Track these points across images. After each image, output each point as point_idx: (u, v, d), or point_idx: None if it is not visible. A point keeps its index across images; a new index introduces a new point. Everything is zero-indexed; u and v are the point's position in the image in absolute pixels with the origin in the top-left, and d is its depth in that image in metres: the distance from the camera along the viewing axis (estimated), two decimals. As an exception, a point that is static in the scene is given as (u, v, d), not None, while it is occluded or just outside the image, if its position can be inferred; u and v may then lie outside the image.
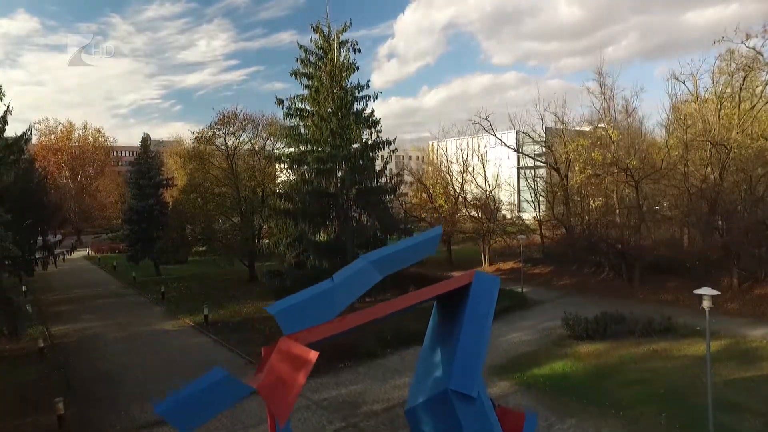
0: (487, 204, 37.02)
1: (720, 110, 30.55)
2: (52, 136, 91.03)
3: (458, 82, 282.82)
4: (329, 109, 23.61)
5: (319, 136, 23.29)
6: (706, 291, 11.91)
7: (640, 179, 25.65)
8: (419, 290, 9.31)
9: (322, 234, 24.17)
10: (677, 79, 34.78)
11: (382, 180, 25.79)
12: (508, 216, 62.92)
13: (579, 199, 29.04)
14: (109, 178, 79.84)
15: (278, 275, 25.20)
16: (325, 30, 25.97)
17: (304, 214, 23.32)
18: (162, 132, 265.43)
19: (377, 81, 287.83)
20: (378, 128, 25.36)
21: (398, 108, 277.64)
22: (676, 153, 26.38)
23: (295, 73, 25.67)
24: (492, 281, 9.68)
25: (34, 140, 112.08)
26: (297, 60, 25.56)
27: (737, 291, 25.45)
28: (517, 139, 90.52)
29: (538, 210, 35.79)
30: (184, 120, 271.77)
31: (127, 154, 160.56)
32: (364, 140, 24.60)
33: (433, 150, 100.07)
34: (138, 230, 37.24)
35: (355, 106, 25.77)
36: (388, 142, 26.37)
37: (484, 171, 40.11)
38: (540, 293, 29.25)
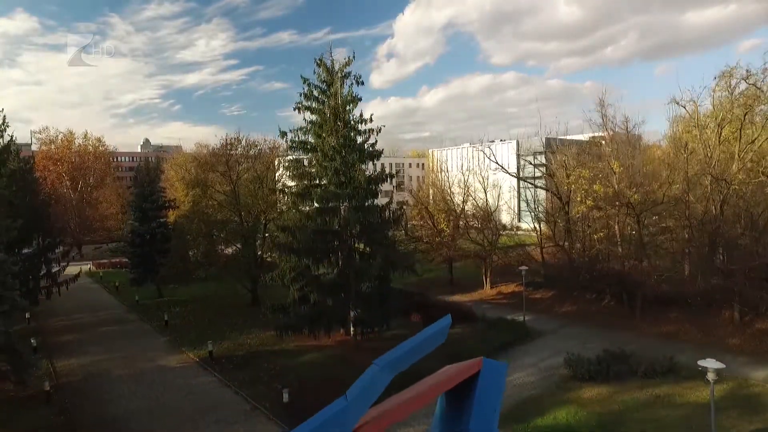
0: (488, 226, 37.15)
1: (720, 135, 30.79)
2: (52, 146, 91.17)
3: (457, 82, 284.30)
4: (332, 143, 23.72)
5: (323, 174, 23.46)
6: (710, 363, 12.04)
7: (642, 212, 25.81)
8: (430, 386, 9.41)
9: (325, 265, 24.28)
10: (677, 103, 35.04)
11: (386, 212, 25.89)
12: (508, 226, 63.12)
13: (580, 229, 29.22)
14: (110, 189, 79.83)
15: (282, 309, 25.29)
16: (328, 63, 26.14)
17: (308, 250, 23.46)
18: (161, 132, 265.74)
19: (376, 81, 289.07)
20: (384, 170, 25.63)
21: (398, 108, 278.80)
22: (677, 186, 26.56)
23: (298, 108, 25.80)
24: (500, 368, 9.87)
25: (34, 147, 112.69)
26: (300, 95, 25.69)
27: (738, 324, 25.59)
28: (518, 159, 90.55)
29: (539, 235, 35.90)
30: (183, 120, 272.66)
31: (128, 159, 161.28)
32: (367, 175, 24.66)
33: (433, 160, 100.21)
34: (140, 253, 37.35)
35: (358, 139, 25.92)
36: (391, 176, 26.55)
37: (485, 194, 40.19)
38: (541, 322, 29.35)
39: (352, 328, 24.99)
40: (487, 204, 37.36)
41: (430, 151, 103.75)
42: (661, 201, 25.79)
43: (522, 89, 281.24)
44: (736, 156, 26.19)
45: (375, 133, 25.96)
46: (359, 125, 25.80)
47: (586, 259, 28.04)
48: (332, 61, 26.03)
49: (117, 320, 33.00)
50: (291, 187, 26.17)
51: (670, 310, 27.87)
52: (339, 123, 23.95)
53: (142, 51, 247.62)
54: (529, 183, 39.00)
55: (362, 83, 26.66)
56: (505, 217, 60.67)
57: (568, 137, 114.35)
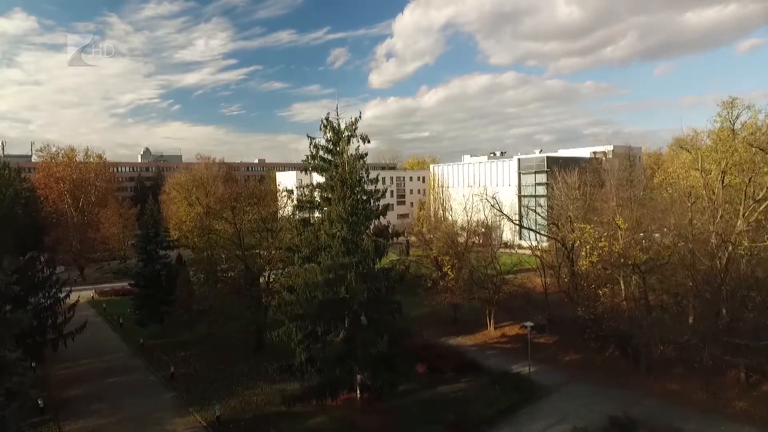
0: (493, 267, 37.23)
1: (723, 181, 30.90)
2: (53, 161, 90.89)
3: (457, 82, 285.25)
4: (340, 211, 23.74)
5: (330, 242, 23.50)
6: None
7: (647, 271, 25.89)
8: None
9: (332, 332, 24.30)
10: (682, 147, 35.18)
11: (391, 273, 25.93)
12: (509, 243, 63.25)
13: (585, 284, 29.28)
14: (111, 209, 79.75)
15: (288, 370, 25.32)
16: (335, 122, 26.18)
17: (314, 316, 23.56)
18: (161, 132, 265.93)
19: (376, 81, 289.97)
20: (388, 226, 25.69)
21: (397, 108, 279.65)
22: (682, 245, 26.63)
23: (305, 169, 25.89)
24: None
25: (34, 158, 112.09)
26: (308, 157, 25.78)
27: (744, 386, 25.66)
28: (519, 177, 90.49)
29: (543, 279, 36.00)
30: (182, 119, 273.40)
31: (128, 170, 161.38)
32: (373, 238, 24.62)
33: (434, 178, 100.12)
34: (145, 295, 37.45)
35: (363, 196, 25.95)
36: (397, 234, 26.62)
37: (490, 231, 40.22)
38: (547, 375, 29.31)
39: (358, 391, 25.04)
40: (492, 250, 37.39)
41: (431, 167, 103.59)
42: (666, 261, 25.90)
43: (521, 89, 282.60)
44: (741, 214, 26.26)
45: (381, 195, 26.07)
46: (366, 184, 25.85)
47: (592, 316, 28.08)
48: (338, 121, 26.10)
49: (122, 368, 32.95)
50: (297, 246, 26.12)
51: (675, 365, 27.89)
52: (347, 189, 23.98)
53: (141, 51, 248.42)
54: (534, 231, 38.98)
55: (368, 141, 26.75)
56: (507, 234, 60.71)
57: (570, 153, 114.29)
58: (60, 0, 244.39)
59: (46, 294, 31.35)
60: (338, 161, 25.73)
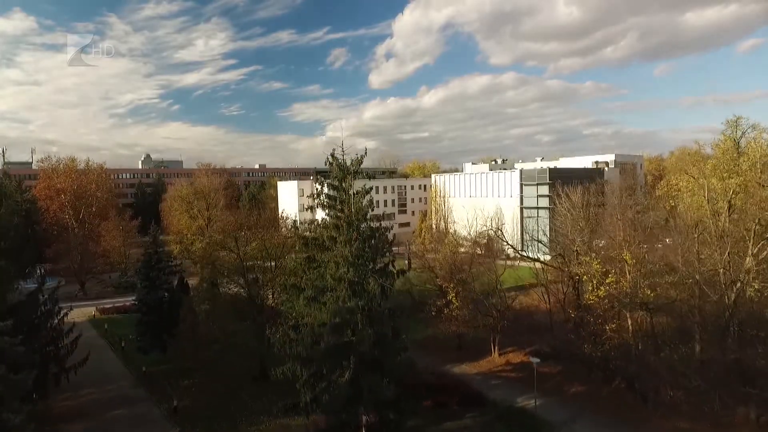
0: (497, 295, 37.04)
1: (729, 211, 30.71)
2: (54, 172, 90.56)
3: (457, 82, 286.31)
4: (346, 254, 23.52)
5: (336, 285, 23.29)
6: None
7: (655, 310, 25.69)
8: None
9: (336, 375, 24.06)
10: (686, 172, 34.99)
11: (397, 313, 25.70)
12: (511, 256, 63.01)
13: (591, 319, 29.06)
14: (112, 222, 79.44)
15: (294, 408, 25.13)
16: (340, 157, 26.00)
17: (320, 360, 23.37)
18: (160, 132, 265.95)
19: (375, 81, 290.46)
20: (392, 260, 25.55)
21: (397, 108, 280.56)
22: (690, 281, 26.43)
23: (310, 208, 25.70)
24: None
25: (34, 166, 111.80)
26: (314, 195, 25.59)
27: (755, 426, 25.41)
28: (521, 188, 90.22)
29: (548, 306, 35.81)
30: (182, 120, 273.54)
31: (128, 176, 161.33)
32: (380, 283, 24.37)
33: (436, 189, 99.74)
34: (147, 321, 37.22)
35: (368, 232, 25.74)
36: (402, 272, 26.41)
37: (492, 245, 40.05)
38: (552, 409, 29.02)
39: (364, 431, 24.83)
40: (496, 274, 37.19)
41: (432, 177, 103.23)
42: (674, 299, 25.70)
43: (521, 90, 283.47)
44: (750, 252, 26.05)
45: (387, 230, 25.91)
46: (371, 221, 25.64)
47: (599, 353, 27.84)
48: (343, 156, 25.92)
49: (124, 399, 32.63)
50: (302, 286, 25.87)
51: (684, 401, 27.61)
52: (353, 232, 23.77)
53: (141, 51, 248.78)
54: (540, 262, 38.77)
55: (373, 177, 26.72)
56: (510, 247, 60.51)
57: (571, 163, 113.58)
58: (60, 0, 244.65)
59: (49, 326, 31.06)
60: (344, 198, 25.58)
